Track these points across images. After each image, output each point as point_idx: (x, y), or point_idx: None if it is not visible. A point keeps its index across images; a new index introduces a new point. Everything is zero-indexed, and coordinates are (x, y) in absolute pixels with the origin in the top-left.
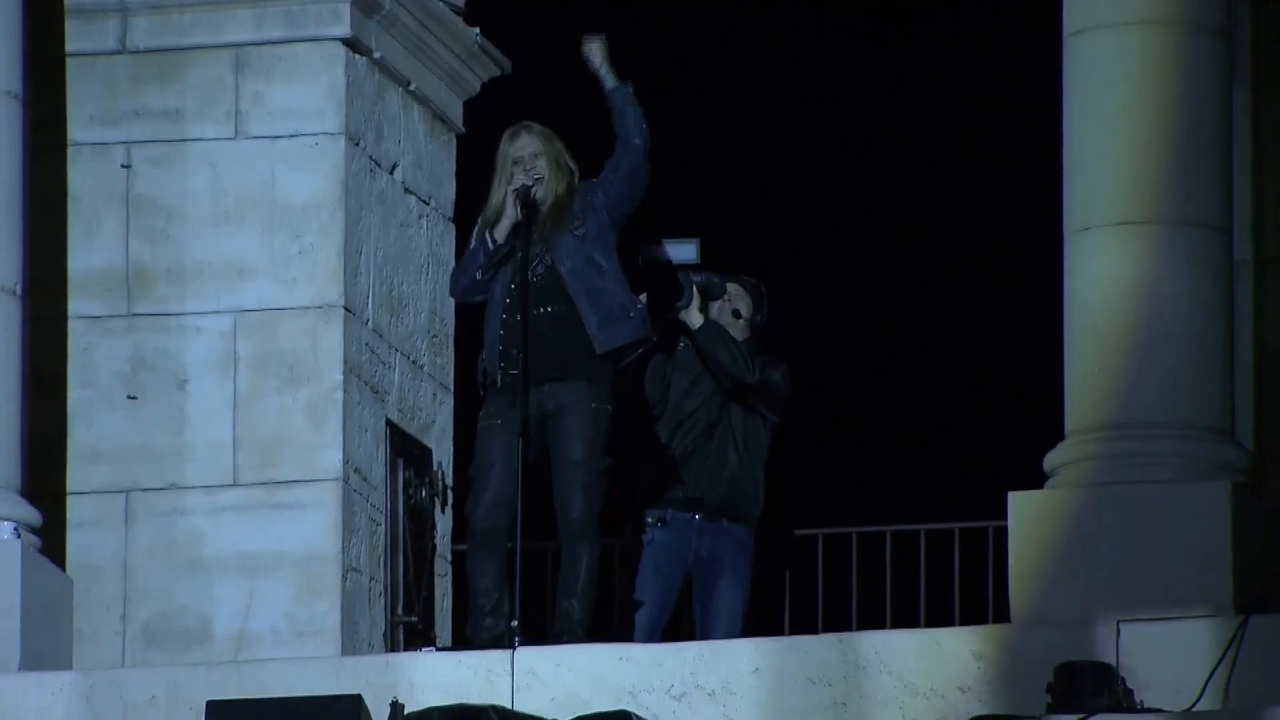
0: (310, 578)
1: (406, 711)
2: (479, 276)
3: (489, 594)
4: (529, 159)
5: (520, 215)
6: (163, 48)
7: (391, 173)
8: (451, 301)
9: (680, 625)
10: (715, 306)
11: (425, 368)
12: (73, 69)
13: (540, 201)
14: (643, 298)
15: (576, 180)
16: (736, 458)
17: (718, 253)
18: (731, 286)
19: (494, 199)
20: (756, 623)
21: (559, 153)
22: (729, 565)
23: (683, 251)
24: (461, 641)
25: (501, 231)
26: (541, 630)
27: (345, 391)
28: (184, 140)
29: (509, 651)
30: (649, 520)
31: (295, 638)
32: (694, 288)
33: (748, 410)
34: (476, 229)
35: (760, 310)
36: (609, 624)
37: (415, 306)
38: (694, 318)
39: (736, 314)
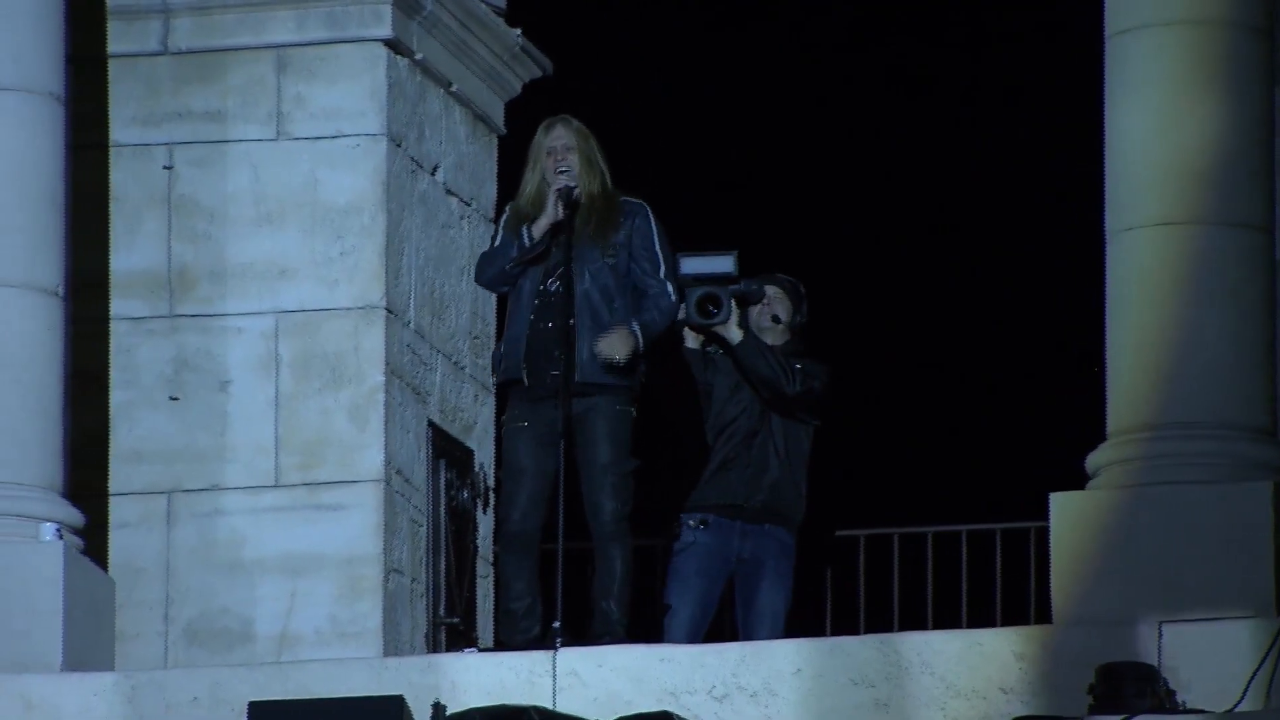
0: (352, 579)
1: (448, 712)
2: (508, 269)
3: (523, 597)
4: (561, 150)
5: (560, 215)
6: (205, 49)
7: (433, 174)
8: (493, 302)
9: (721, 628)
10: (754, 311)
11: (467, 369)
12: (115, 70)
13: (580, 203)
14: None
15: (609, 183)
16: (778, 464)
17: (760, 250)
18: (770, 289)
19: (527, 188)
20: (798, 624)
21: (592, 151)
22: (771, 567)
23: (720, 264)
24: (503, 643)
25: (539, 229)
26: (576, 631)
27: (387, 392)
28: (226, 141)
29: (551, 652)
30: (690, 523)
31: (337, 639)
32: (732, 302)
33: (788, 417)
34: (505, 216)
35: (800, 310)
36: (654, 626)
37: (457, 307)
38: (733, 332)
39: (775, 319)
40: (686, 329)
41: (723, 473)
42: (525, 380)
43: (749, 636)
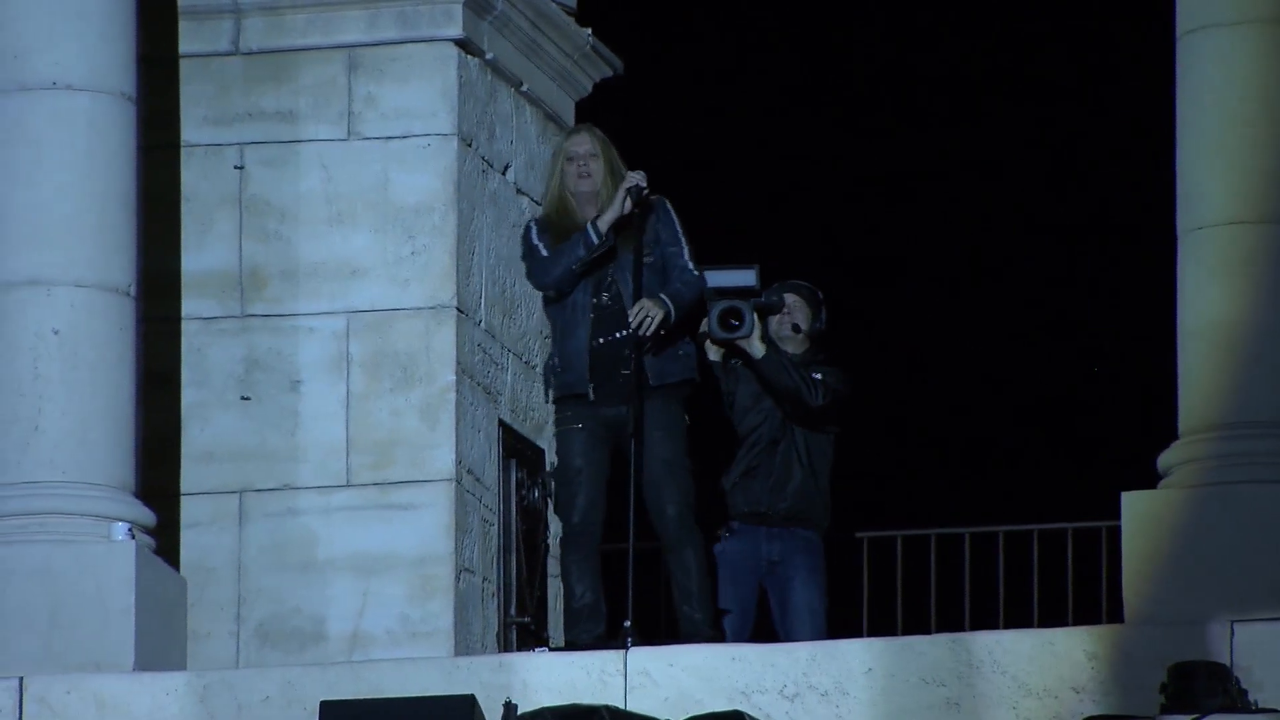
0: (423, 578)
1: (520, 712)
2: (575, 268)
3: (586, 597)
4: (584, 157)
5: (627, 210)
6: (276, 49)
7: (504, 173)
8: None
9: (760, 634)
10: (774, 321)
11: (537, 368)
12: (186, 70)
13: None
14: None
15: None
16: (801, 473)
17: (820, 250)
18: (789, 297)
19: (550, 193)
20: (869, 622)
21: (614, 158)
22: (800, 564)
23: (742, 278)
24: (571, 643)
25: (605, 223)
26: (644, 630)
27: (458, 392)
28: (297, 141)
29: (622, 651)
30: (717, 532)
31: (408, 638)
32: (754, 315)
33: (810, 428)
34: (535, 228)
35: (819, 317)
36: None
37: (527, 307)
38: (755, 347)
39: (796, 328)
40: (709, 342)
41: (747, 481)
42: (591, 395)
43: (789, 637)
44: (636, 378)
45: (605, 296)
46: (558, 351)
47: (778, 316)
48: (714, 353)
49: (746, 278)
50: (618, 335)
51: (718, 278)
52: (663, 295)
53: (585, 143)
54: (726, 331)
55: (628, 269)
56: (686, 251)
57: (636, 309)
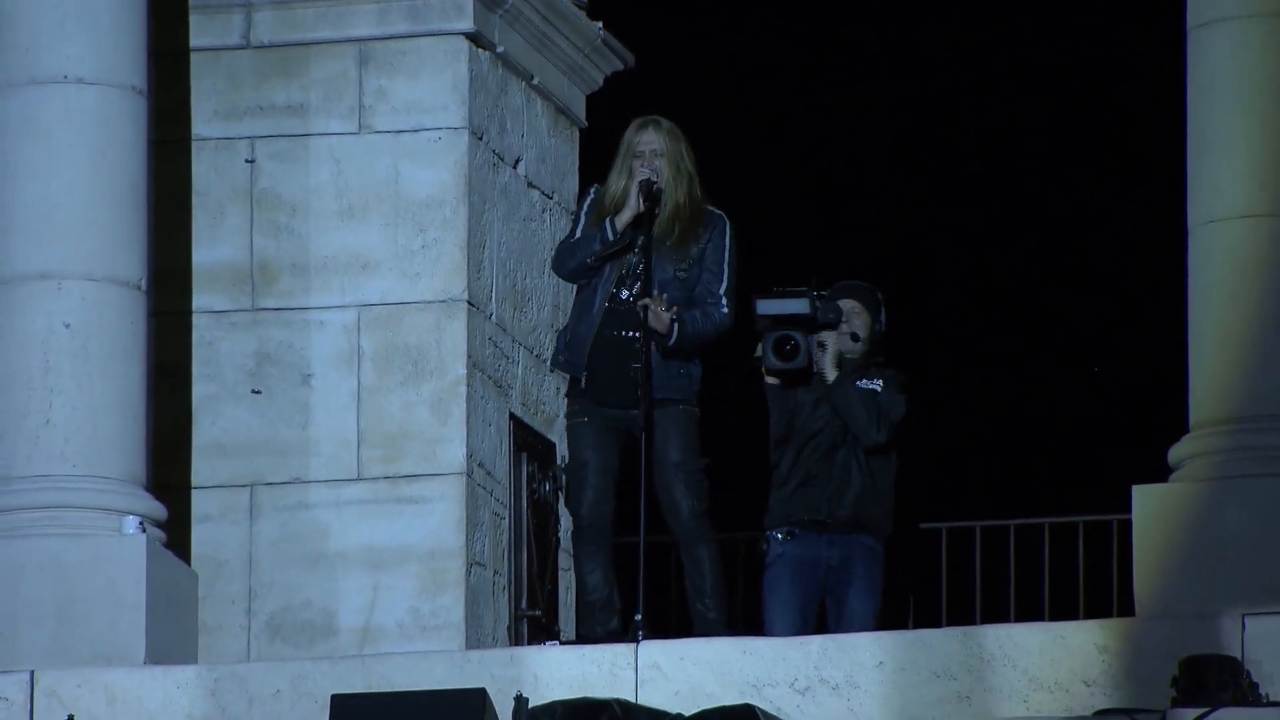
0: (434, 572)
1: (531, 705)
2: (590, 262)
3: (598, 589)
4: (649, 155)
5: (642, 208)
6: (286, 42)
7: (515, 167)
8: (574, 296)
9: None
10: (833, 334)
11: (548, 362)
12: (197, 64)
13: (663, 197)
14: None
15: (698, 191)
16: (861, 478)
17: (841, 250)
18: (845, 304)
19: (612, 186)
20: (880, 616)
21: (681, 155)
22: (860, 574)
23: (794, 306)
24: (583, 636)
25: (622, 221)
26: (656, 624)
27: (469, 386)
28: (308, 135)
29: (633, 645)
30: (778, 536)
31: (419, 632)
32: (808, 343)
33: (871, 454)
34: (586, 208)
35: (878, 319)
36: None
37: (538, 301)
38: (829, 372)
39: (854, 337)
40: (765, 370)
41: (806, 488)
42: (583, 384)
43: None
44: (644, 376)
45: (625, 293)
46: (570, 329)
47: (834, 332)
48: (772, 379)
49: (799, 305)
50: (627, 335)
51: (770, 306)
52: (683, 314)
53: (652, 140)
54: (782, 360)
55: (658, 275)
56: (725, 285)
57: (653, 300)
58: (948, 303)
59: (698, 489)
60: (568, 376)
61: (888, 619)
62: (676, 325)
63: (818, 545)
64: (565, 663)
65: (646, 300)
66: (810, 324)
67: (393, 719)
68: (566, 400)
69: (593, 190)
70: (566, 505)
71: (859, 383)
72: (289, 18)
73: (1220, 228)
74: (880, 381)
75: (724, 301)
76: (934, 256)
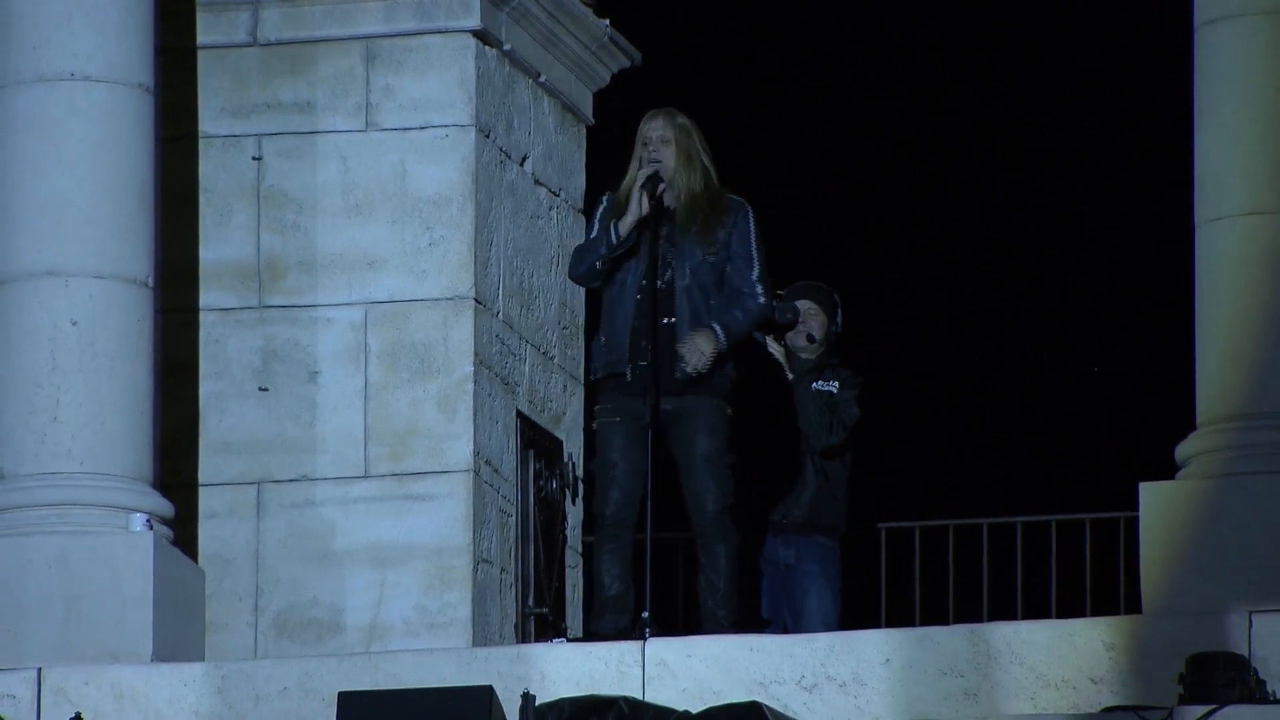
0: (441, 569)
1: (538, 703)
2: (599, 266)
3: (614, 588)
4: (655, 142)
5: (645, 210)
6: (293, 40)
7: (522, 164)
8: (582, 293)
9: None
10: (789, 334)
11: (555, 359)
12: (204, 61)
13: (670, 196)
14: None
15: (714, 179)
16: (816, 481)
17: (839, 246)
18: (802, 305)
19: (628, 177)
20: (887, 613)
21: (693, 146)
22: (815, 571)
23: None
24: (592, 633)
25: (625, 226)
26: (667, 621)
27: (476, 383)
28: (315, 132)
29: (640, 642)
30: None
31: (426, 629)
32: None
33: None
34: (603, 207)
35: (834, 321)
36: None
37: (545, 298)
38: (787, 375)
39: (810, 338)
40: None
41: (777, 489)
42: (629, 375)
43: None
44: (654, 372)
45: (659, 281)
46: (604, 330)
47: (791, 332)
48: (777, 352)
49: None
50: (664, 321)
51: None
52: (714, 325)
53: (659, 128)
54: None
55: (688, 260)
56: (756, 271)
57: (687, 345)
58: (957, 299)
59: (724, 484)
60: (581, 375)
61: (894, 617)
62: (722, 334)
63: (774, 547)
64: (572, 660)
65: (691, 359)
66: (768, 324)
67: (399, 716)
68: (598, 398)
69: (605, 197)
70: (591, 502)
71: (814, 384)
72: (296, 15)
73: (1227, 224)
74: (836, 383)
75: (759, 289)
76: (943, 255)
